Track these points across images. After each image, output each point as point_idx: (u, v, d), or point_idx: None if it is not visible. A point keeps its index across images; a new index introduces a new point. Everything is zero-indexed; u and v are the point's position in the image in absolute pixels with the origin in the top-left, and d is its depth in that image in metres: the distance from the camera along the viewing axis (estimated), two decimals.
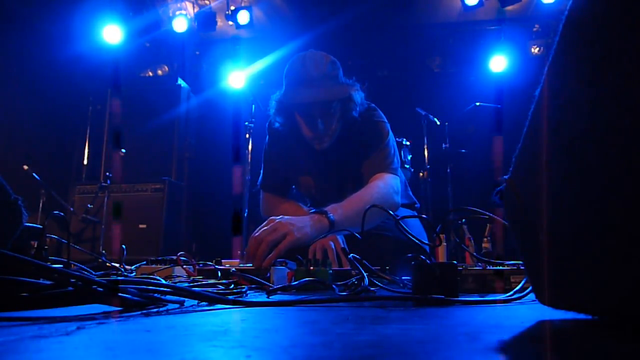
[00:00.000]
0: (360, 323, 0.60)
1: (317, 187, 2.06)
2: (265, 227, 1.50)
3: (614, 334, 0.52)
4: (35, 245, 1.13)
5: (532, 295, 0.80)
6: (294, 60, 1.90)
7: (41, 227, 1.15)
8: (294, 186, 2.16)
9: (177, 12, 5.55)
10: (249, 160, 4.37)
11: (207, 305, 0.79)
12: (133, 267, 1.48)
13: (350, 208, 1.66)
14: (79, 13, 4.89)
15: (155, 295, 0.73)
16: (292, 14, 5.56)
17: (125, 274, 1.35)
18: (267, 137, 2.12)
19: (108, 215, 4.32)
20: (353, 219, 1.58)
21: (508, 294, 0.92)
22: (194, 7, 5.64)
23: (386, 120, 2.02)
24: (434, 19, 5.62)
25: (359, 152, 1.97)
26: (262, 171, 2.14)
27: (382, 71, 5.81)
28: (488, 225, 2.42)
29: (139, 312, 0.67)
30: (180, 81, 5.31)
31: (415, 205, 2.20)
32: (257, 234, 1.48)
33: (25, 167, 4.31)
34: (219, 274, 1.29)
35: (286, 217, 1.55)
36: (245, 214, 4.31)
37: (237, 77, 4.73)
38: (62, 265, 1.18)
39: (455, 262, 1.06)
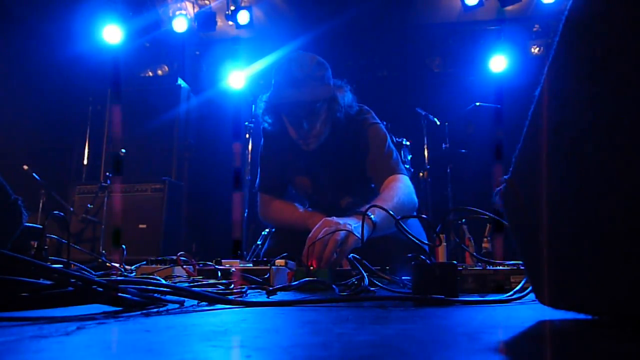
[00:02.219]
0: (360, 323, 0.60)
1: (313, 186, 2.07)
2: (326, 228, 1.46)
3: (614, 334, 0.52)
4: (35, 245, 1.13)
5: (532, 295, 0.80)
6: (281, 62, 1.92)
7: (41, 227, 1.15)
8: (290, 187, 2.16)
9: (177, 12, 5.54)
10: (249, 160, 4.37)
11: (207, 305, 0.79)
12: (133, 267, 1.48)
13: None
14: (79, 13, 4.89)
15: (155, 295, 0.73)
16: (292, 14, 5.55)
17: (125, 274, 1.35)
18: (262, 139, 2.13)
19: (108, 215, 4.32)
20: (389, 219, 1.56)
21: (508, 294, 0.92)
22: (194, 7, 5.64)
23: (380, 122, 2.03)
24: (434, 19, 5.62)
25: (354, 153, 1.97)
26: (258, 173, 2.15)
27: (382, 71, 5.80)
28: (488, 225, 2.42)
29: (139, 312, 0.67)
30: (180, 81, 5.31)
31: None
32: (320, 235, 1.43)
33: (25, 167, 4.31)
34: (219, 274, 1.29)
35: (337, 218, 1.52)
36: (245, 214, 4.31)
37: (237, 77, 4.73)
38: (62, 265, 1.18)
39: (455, 262, 1.06)
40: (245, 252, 3.92)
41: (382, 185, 1.86)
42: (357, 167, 1.99)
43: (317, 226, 1.49)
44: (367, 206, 1.47)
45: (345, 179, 2.02)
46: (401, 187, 1.81)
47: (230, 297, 0.86)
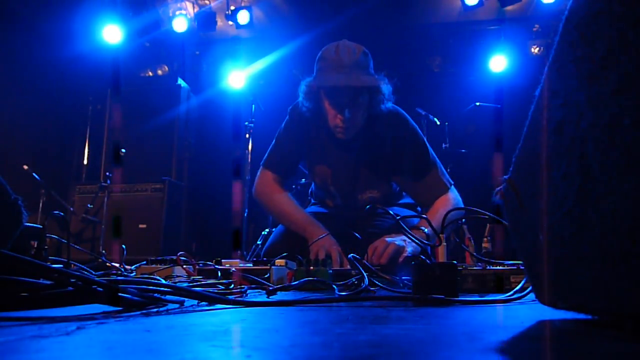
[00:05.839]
0: (360, 323, 0.60)
1: (333, 177, 2.06)
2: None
3: (614, 334, 0.52)
4: (35, 245, 1.13)
5: (532, 295, 0.80)
6: (327, 47, 1.93)
7: (41, 227, 1.15)
8: (309, 177, 2.16)
9: (177, 12, 5.54)
10: (249, 160, 4.37)
11: (207, 305, 0.79)
12: (133, 267, 1.48)
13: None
14: (79, 13, 4.89)
15: (155, 295, 0.73)
16: (292, 14, 5.55)
17: (125, 274, 1.35)
18: (287, 118, 2.08)
19: (108, 215, 4.32)
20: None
21: (508, 294, 0.92)
22: (194, 7, 5.64)
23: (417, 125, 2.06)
24: (434, 19, 5.61)
25: (385, 150, 1.98)
26: (269, 150, 2.11)
27: (382, 71, 5.79)
28: (488, 225, 2.42)
29: (139, 312, 0.67)
30: (180, 81, 5.31)
31: (417, 209, 2.20)
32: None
33: (25, 167, 4.31)
34: (219, 274, 1.29)
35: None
36: (245, 214, 4.31)
37: (237, 77, 4.73)
38: (62, 265, 1.18)
39: (455, 262, 1.06)
40: (245, 252, 3.92)
41: (433, 205, 1.93)
42: (385, 164, 2.00)
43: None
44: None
45: (370, 174, 2.02)
46: (452, 204, 1.93)
47: (230, 297, 0.86)
